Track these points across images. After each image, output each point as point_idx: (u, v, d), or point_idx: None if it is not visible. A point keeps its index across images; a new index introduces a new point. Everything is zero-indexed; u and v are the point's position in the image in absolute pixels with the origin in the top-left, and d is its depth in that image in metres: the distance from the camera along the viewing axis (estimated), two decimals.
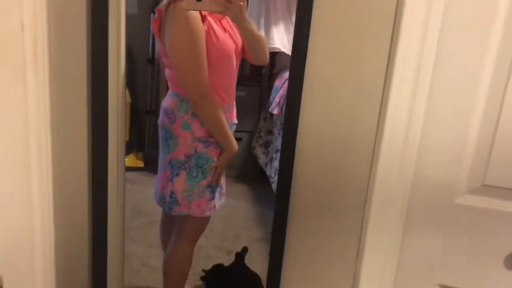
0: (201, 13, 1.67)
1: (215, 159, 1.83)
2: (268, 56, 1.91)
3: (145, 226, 3.02)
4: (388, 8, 1.02)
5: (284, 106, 3.23)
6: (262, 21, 3.07)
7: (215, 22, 1.75)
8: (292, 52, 1.07)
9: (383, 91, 1.06)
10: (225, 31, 1.78)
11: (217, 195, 1.93)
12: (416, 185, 1.12)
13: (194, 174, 1.83)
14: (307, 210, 1.18)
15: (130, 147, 3.93)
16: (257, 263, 2.51)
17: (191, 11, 1.61)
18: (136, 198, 3.33)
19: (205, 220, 1.98)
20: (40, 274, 0.91)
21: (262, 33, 3.11)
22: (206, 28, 1.69)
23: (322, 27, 1.03)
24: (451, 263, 1.17)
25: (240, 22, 1.69)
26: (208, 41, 1.69)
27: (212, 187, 1.89)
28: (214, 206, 1.93)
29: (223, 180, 1.96)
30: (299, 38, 1.04)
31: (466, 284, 1.18)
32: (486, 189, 1.11)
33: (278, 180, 1.17)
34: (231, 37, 1.80)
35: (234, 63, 1.83)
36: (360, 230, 1.16)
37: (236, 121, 1.96)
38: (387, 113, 1.06)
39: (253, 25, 1.78)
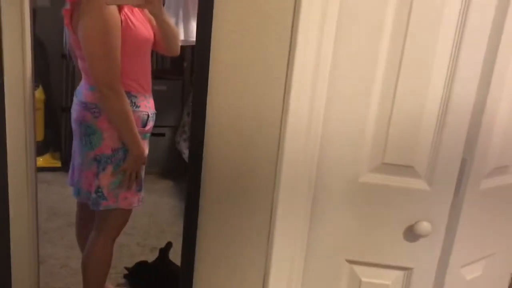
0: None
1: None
2: (179, 47, 1.93)
3: (63, 227, 2.90)
4: None
5: None
6: (181, 13, 3.04)
7: (131, 12, 1.74)
8: (196, 40, 1.08)
9: (286, 75, 1.10)
10: (139, 21, 1.78)
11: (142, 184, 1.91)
12: (321, 166, 1.17)
13: (120, 167, 1.80)
14: (218, 199, 1.19)
15: (46, 146, 3.73)
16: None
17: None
18: (53, 199, 3.19)
19: (128, 213, 1.95)
20: None
21: (180, 26, 3.09)
22: (123, 18, 1.68)
23: (224, 14, 1.04)
24: (357, 239, 1.23)
25: (158, 14, 1.72)
26: (126, 31, 1.69)
27: (140, 177, 1.87)
28: (141, 197, 1.92)
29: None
30: (203, 27, 1.05)
31: (371, 257, 1.25)
32: (386, 167, 1.18)
33: (188, 167, 1.18)
34: (145, 27, 1.79)
35: (148, 53, 1.84)
36: (270, 213, 1.19)
37: (155, 111, 1.94)
38: (291, 97, 1.09)
39: (168, 16, 1.82)
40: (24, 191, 1.68)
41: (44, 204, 2.77)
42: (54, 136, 3.80)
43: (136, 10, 1.78)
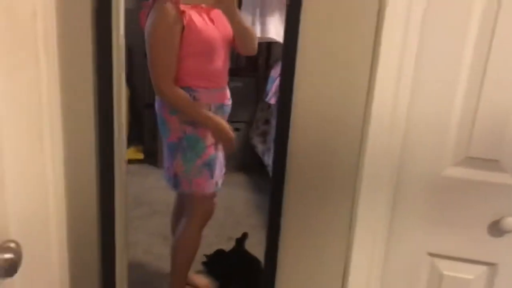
0: (178, 9, 1.78)
1: (206, 139, 1.93)
2: (256, 47, 2.02)
3: (145, 216, 3.09)
4: None
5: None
6: (258, 11, 3.12)
7: (199, 15, 1.85)
8: (284, 34, 1.14)
9: (371, 69, 1.13)
10: (213, 22, 1.89)
11: (217, 172, 2.01)
12: (404, 159, 1.19)
13: (188, 156, 1.93)
14: (301, 190, 1.24)
15: (130, 140, 3.99)
16: (257, 248, 2.58)
17: (169, 7, 1.71)
18: (136, 189, 3.40)
19: (210, 201, 2.08)
20: (55, 244, 0.97)
21: (257, 24, 3.17)
22: (185, 23, 1.79)
23: (312, 11, 1.09)
24: (439, 232, 1.23)
25: (230, 15, 1.82)
26: (189, 34, 1.80)
27: (210, 165, 1.98)
28: (216, 183, 2.02)
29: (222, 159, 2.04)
30: (291, 21, 1.11)
31: (454, 251, 1.25)
32: (470, 161, 1.18)
33: (273, 160, 1.24)
34: (217, 28, 1.90)
35: (223, 51, 1.94)
36: (351, 205, 1.23)
37: (229, 102, 2.05)
38: (375, 90, 1.12)
39: (242, 18, 1.90)
40: (117, 182, 1.83)
41: (129, 194, 2.95)
42: (138, 130, 4.04)
43: (214, 11, 1.88)
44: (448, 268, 1.26)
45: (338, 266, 1.27)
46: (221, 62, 1.95)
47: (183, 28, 1.79)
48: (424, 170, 1.19)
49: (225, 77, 2.02)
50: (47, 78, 0.87)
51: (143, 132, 4.01)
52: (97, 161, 1.17)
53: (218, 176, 2.04)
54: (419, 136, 1.17)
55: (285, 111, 1.15)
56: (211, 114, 1.91)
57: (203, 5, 1.89)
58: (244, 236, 2.58)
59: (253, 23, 3.15)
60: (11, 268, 0.80)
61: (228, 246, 2.61)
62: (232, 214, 3.19)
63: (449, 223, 1.23)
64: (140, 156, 3.95)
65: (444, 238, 1.24)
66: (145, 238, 2.81)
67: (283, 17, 3.32)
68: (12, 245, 0.81)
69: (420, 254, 1.26)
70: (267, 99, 3.45)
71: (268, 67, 3.77)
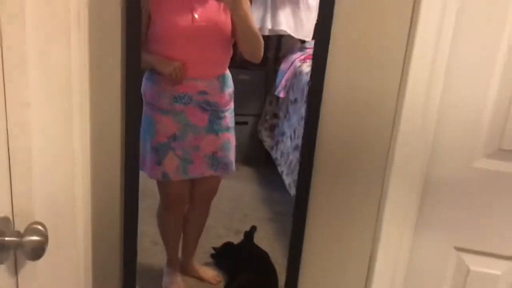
0: None
1: (158, 124, 1.91)
2: (261, 55, 1.98)
3: (152, 207, 3.04)
4: None
5: (290, 89, 3.26)
6: (269, 2, 3.08)
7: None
8: (318, 16, 1.10)
9: (405, 54, 1.09)
10: (193, 10, 1.83)
11: (167, 162, 1.98)
12: (435, 149, 1.15)
13: (143, 136, 1.91)
14: (329, 180, 1.21)
15: None
16: (265, 242, 2.56)
17: None
18: (142, 181, 3.36)
19: (165, 187, 2.13)
20: (80, 227, 0.94)
21: (268, 15, 3.13)
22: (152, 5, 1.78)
23: None
24: (467, 226, 1.21)
25: (235, 9, 1.78)
26: (160, 18, 1.80)
27: (157, 151, 1.96)
28: (164, 173, 2.02)
29: (196, 156, 2.00)
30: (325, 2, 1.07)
31: (482, 245, 1.22)
32: (502, 153, 1.15)
33: (302, 145, 1.20)
34: (193, 19, 1.83)
35: (195, 41, 1.86)
36: (380, 194, 1.20)
37: (201, 96, 1.95)
38: (408, 79, 1.09)
39: (250, 18, 1.84)
40: None
41: None
42: None
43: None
44: (475, 263, 1.23)
45: (363, 258, 1.24)
46: (191, 52, 1.87)
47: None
48: (455, 161, 1.16)
49: (200, 69, 1.92)
50: (78, 52, 0.84)
51: None
52: (122, 142, 1.13)
53: (169, 168, 2.00)
54: (451, 126, 1.14)
55: (315, 98, 1.12)
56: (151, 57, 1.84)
57: None
58: (253, 229, 2.56)
59: (264, 15, 3.11)
60: (38, 251, 0.77)
61: (236, 239, 2.58)
62: (240, 207, 3.17)
63: (478, 216, 1.20)
64: None
65: (472, 232, 1.21)
66: (152, 229, 2.79)
67: (295, 10, 3.29)
68: (39, 227, 0.77)
69: (447, 248, 1.23)
70: (276, 93, 3.42)
71: (278, 60, 3.73)
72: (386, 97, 1.12)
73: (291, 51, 3.49)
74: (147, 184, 3.34)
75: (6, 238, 0.73)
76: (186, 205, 2.31)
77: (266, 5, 3.12)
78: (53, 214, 0.82)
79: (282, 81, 3.34)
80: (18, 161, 0.77)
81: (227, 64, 2.02)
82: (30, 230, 0.76)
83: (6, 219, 0.76)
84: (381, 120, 1.14)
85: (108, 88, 1.07)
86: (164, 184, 2.12)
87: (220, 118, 2.00)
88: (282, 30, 3.18)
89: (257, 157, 3.79)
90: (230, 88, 2.04)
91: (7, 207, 0.78)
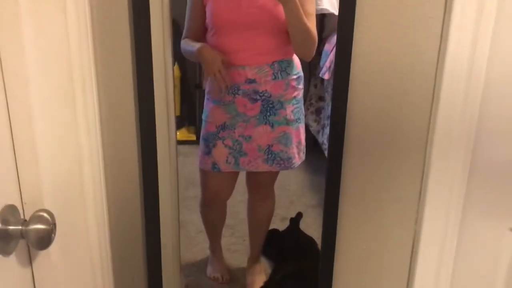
0: None
1: (209, 114, 1.93)
2: (312, 54, 1.87)
3: (199, 196, 3.06)
4: None
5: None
6: None
7: None
8: None
9: (444, 18, 0.97)
10: (240, 2, 1.78)
11: (216, 153, 1.95)
12: (481, 124, 1.03)
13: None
14: (362, 157, 1.12)
15: (182, 121, 3.98)
16: (312, 229, 2.49)
17: None
18: (189, 169, 3.37)
19: (209, 178, 2.14)
20: (92, 214, 0.92)
21: None
22: None
23: None
24: None
25: (285, 2, 1.66)
26: (208, 7, 1.81)
27: (207, 140, 1.96)
28: (214, 163, 1.98)
29: (249, 148, 1.94)
30: None
31: None
32: None
33: (330, 123, 1.12)
34: (241, 6, 1.78)
35: (243, 31, 1.81)
36: (421, 174, 1.09)
37: (250, 85, 1.88)
38: (448, 46, 0.97)
39: (301, 12, 1.71)
40: (167, 163, 1.79)
41: (181, 174, 2.94)
42: (190, 111, 4.03)
43: None
44: None
45: (405, 245, 1.14)
46: (238, 40, 1.82)
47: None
48: (504, 136, 1.03)
49: (248, 56, 1.86)
50: (78, 31, 0.80)
51: (195, 113, 3.98)
52: (137, 130, 1.09)
53: (218, 158, 1.96)
54: (499, 97, 1.01)
55: (343, 66, 1.02)
56: (201, 45, 1.84)
57: None
58: (299, 216, 2.49)
59: None
60: (44, 240, 0.74)
61: (282, 226, 2.53)
62: (286, 193, 3.11)
63: None
64: (193, 137, 3.93)
65: None
66: (198, 218, 2.79)
67: None
68: (45, 214, 0.74)
69: (501, 230, 1.10)
70: (320, 75, 3.30)
71: (322, 41, 3.60)
72: (424, 65, 1.01)
73: (335, 31, 3.35)
74: (194, 173, 3.36)
75: (10, 227, 0.71)
76: (229, 197, 2.24)
77: None
78: (62, 201, 0.80)
79: (326, 63, 3.22)
80: (23, 147, 0.75)
81: (285, 50, 1.89)
82: (35, 218, 0.74)
83: (12, 207, 0.74)
84: (419, 93, 1.02)
85: (117, 62, 1.01)
86: (209, 175, 2.06)
87: (276, 109, 1.90)
88: (324, 9, 3.06)
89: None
90: (290, 76, 1.92)
91: (14, 195, 0.76)
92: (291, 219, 2.48)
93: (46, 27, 0.73)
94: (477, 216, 1.09)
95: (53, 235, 0.75)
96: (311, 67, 3.65)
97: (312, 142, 3.57)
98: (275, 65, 1.87)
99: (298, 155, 2.05)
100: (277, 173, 2.14)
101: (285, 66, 1.90)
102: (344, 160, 1.08)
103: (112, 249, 1.03)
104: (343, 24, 1.03)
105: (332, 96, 1.07)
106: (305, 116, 3.73)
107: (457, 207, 1.08)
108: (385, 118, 1.07)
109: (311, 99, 3.55)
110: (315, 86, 3.55)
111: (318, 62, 3.40)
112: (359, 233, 1.16)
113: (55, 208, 0.77)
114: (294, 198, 3.03)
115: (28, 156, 0.76)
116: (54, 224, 0.75)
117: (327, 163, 1.14)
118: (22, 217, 0.76)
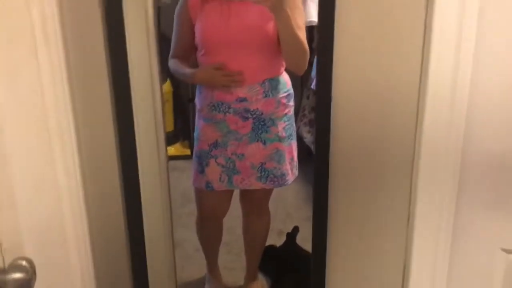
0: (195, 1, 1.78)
1: (200, 132, 1.93)
2: (305, 68, 1.89)
3: (195, 212, 3.04)
4: None
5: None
6: None
7: (219, 7, 1.76)
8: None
9: (424, 34, 0.97)
10: (229, 18, 1.76)
11: (209, 171, 1.95)
12: (469, 137, 1.02)
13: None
14: (348, 181, 1.11)
15: (175, 136, 3.96)
16: (309, 242, 2.46)
17: None
18: (185, 185, 3.35)
19: (204, 197, 2.14)
20: (75, 260, 0.90)
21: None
22: (191, 15, 1.80)
23: None
24: None
25: (278, 14, 1.62)
26: (197, 27, 1.80)
27: (200, 158, 1.96)
28: (208, 183, 1.97)
29: (242, 166, 1.92)
30: None
31: None
32: None
33: (315, 139, 1.11)
34: (232, 24, 1.76)
35: (234, 50, 1.79)
36: (408, 196, 1.08)
37: (240, 104, 1.86)
38: (430, 61, 0.96)
39: (293, 24, 1.68)
40: (156, 179, 1.77)
41: (177, 190, 2.92)
42: (183, 126, 4.01)
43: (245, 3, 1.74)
44: None
45: (396, 268, 1.13)
46: (229, 59, 1.80)
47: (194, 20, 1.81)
48: (492, 148, 1.02)
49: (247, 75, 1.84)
50: (50, 73, 0.79)
51: (189, 127, 3.97)
52: (119, 164, 1.08)
53: (211, 177, 1.94)
54: (485, 111, 1.00)
55: (325, 84, 1.01)
56: (194, 70, 1.88)
57: None
58: (295, 230, 2.48)
59: None
60: None
61: (279, 240, 2.51)
62: (282, 206, 3.09)
63: None
64: (187, 152, 3.91)
65: None
66: (195, 235, 2.76)
67: None
68: (24, 263, 0.73)
69: (493, 250, 1.09)
70: (312, 86, 3.30)
71: (313, 52, 3.60)
72: (406, 81, 0.99)
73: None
74: (190, 189, 3.34)
75: None
76: (225, 215, 2.24)
77: None
78: (42, 248, 0.78)
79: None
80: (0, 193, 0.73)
81: (276, 68, 1.89)
82: (14, 267, 0.72)
83: None
84: (403, 108, 1.01)
85: (95, 99, 1.00)
86: (203, 194, 2.05)
87: (267, 126, 1.89)
88: (313, 21, 3.07)
89: (298, 154, 3.68)
90: (281, 93, 1.90)
91: None
92: (288, 234, 2.46)
93: (17, 72, 0.72)
94: (468, 237, 1.08)
95: (32, 283, 0.73)
96: (302, 78, 3.64)
97: (306, 153, 3.57)
98: (266, 83, 1.86)
99: (291, 171, 2.04)
100: (271, 190, 2.13)
101: (276, 84, 1.89)
102: (330, 188, 1.08)
103: None
104: (322, 51, 1.02)
105: (316, 119, 1.07)
106: (299, 128, 3.73)
107: (446, 229, 1.07)
108: (371, 140, 1.07)
109: (304, 110, 3.54)
110: (307, 97, 3.55)
111: (310, 73, 3.40)
112: (348, 263, 1.16)
113: (35, 253, 0.76)
114: (291, 211, 3.01)
115: (6, 202, 0.75)
116: (34, 272, 0.74)
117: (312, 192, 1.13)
118: (1, 264, 0.74)
